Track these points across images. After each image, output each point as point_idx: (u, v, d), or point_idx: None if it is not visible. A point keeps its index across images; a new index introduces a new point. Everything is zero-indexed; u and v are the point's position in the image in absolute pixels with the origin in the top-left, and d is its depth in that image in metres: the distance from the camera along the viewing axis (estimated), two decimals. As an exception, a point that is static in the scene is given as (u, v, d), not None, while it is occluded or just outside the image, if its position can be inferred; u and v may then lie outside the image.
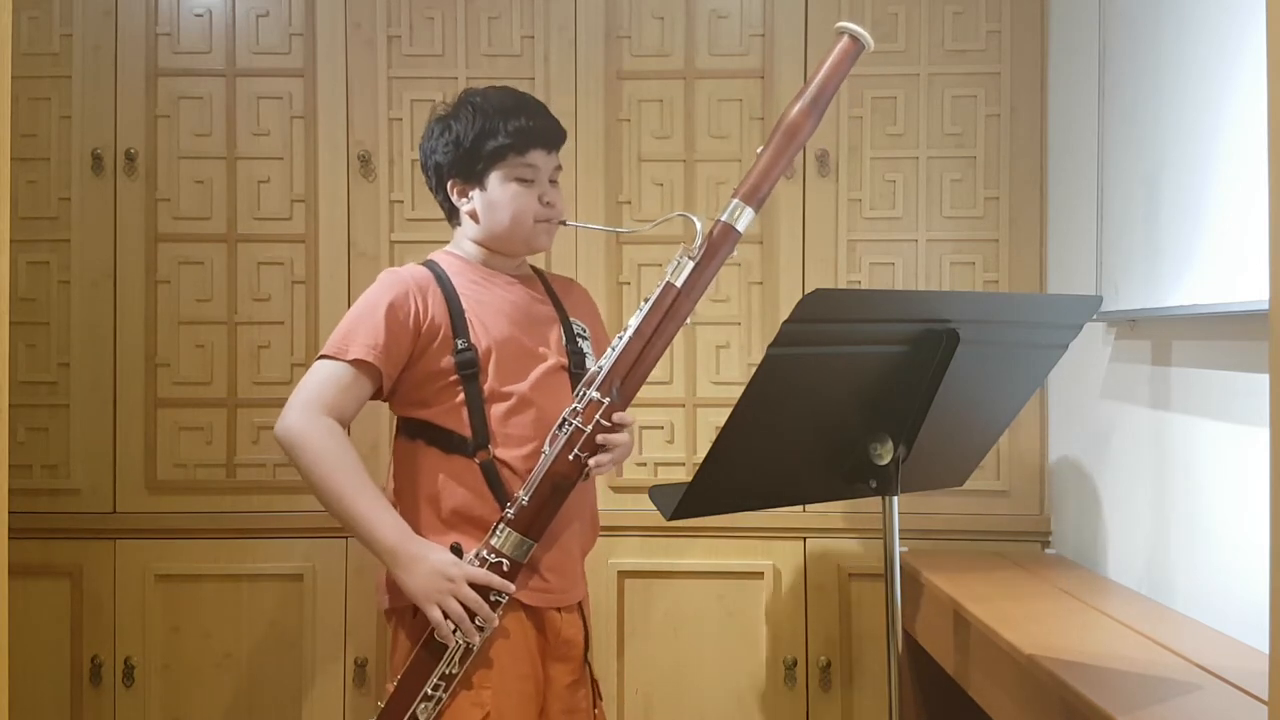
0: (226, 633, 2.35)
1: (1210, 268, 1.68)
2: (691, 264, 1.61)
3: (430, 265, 1.72)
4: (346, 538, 2.33)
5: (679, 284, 1.61)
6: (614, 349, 1.61)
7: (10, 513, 1.17)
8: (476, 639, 1.56)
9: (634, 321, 1.62)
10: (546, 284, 1.82)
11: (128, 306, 2.36)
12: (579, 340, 1.76)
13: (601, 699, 1.81)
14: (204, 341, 2.37)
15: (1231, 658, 1.50)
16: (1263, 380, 1.56)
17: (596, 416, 1.58)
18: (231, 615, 2.35)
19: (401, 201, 2.37)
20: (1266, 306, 0.83)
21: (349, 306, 2.31)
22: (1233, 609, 1.65)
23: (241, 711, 2.35)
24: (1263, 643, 1.42)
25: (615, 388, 1.59)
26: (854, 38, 1.58)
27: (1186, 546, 1.79)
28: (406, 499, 1.67)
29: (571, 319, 1.78)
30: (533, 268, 1.84)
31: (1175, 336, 1.84)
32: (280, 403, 1.66)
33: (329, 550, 2.35)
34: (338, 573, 2.34)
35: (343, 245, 2.37)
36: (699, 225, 1.62)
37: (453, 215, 1.76)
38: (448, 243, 1.79)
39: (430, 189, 1.78)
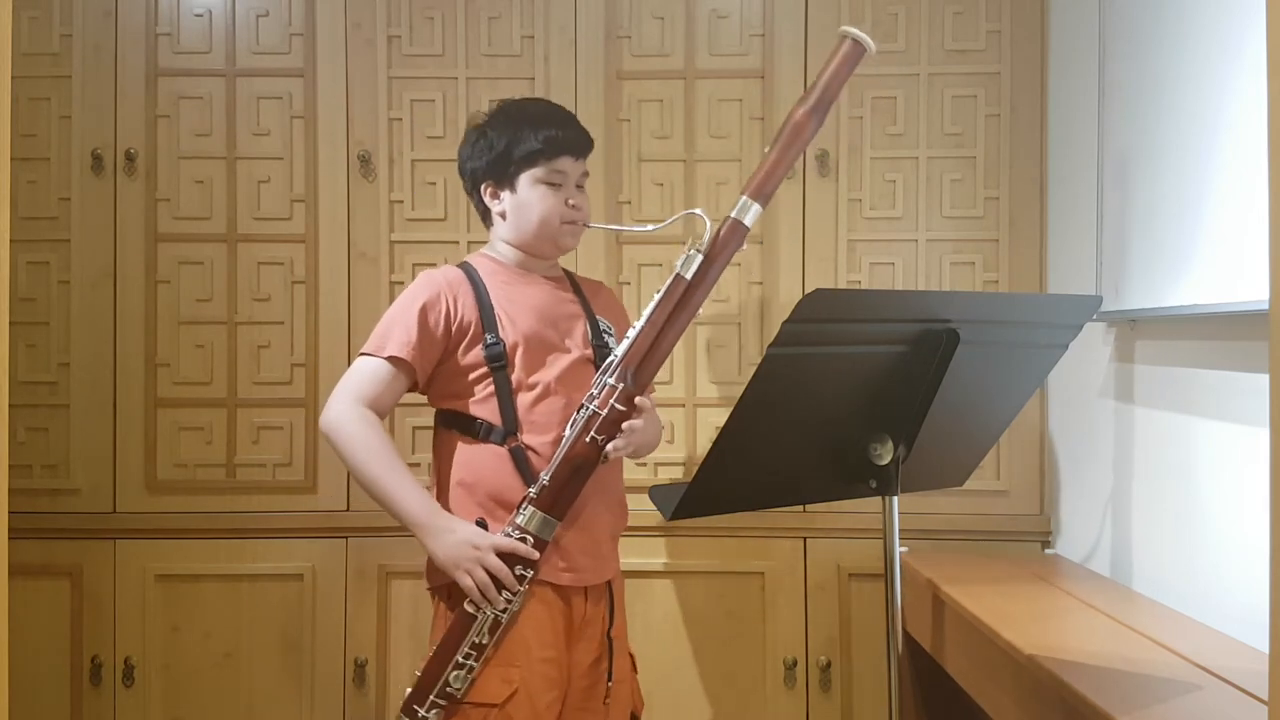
0: (226, 633, 2.35)
1: (1209, 268, 1.68)
2: (700, 257, 1.67)
3: (464, 266, 1.82)
4: (346, 537, 2.33)
5: (688, 276, 1.67)
6: (628, 338, 1.69)
7: (10, 513, 1.17)
8: (502, 606, 1.64)
9: (646, 312, 1.69)
10: (576, 285, 1.90)
11: (128, 306, 2.36)
12: (604, 336, 1.84)
13: (635, 670, 1.86)
14: (204, 341, 2.37)
15: (1231, 658, 1.50)
16: (1262, 380, 1.56)
17: (611, 401, 1.65)
18: (231, 615, 2.35)
19: (401, 201, 2.37)
20: (1266, 306, 0.83)
21: (349, 307, 2.35)
22: (1232, 609, 1.65)
23: (241, 711, 2.35)
24: (1263, 643, 1.42)
25: (630, 373, 1.66)
26: (856, 41, 1.64)
27: (1186, 546, 1.79)
28: (444, 485, 1.77)
29: (598, 317, 1.86)
30: (565, 270, 1.92)
31: (1174, 336, 1.84)
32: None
33: (329, 550, 2.35)
34: (338, 573, 2.34)
35: (343, 245, 2.37)
36: (708, 221, 1.68)
37: (486, 217, 1.86)
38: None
39: (467, 193, 1.87)
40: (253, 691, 2.35)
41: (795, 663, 2.33)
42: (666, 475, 2.36)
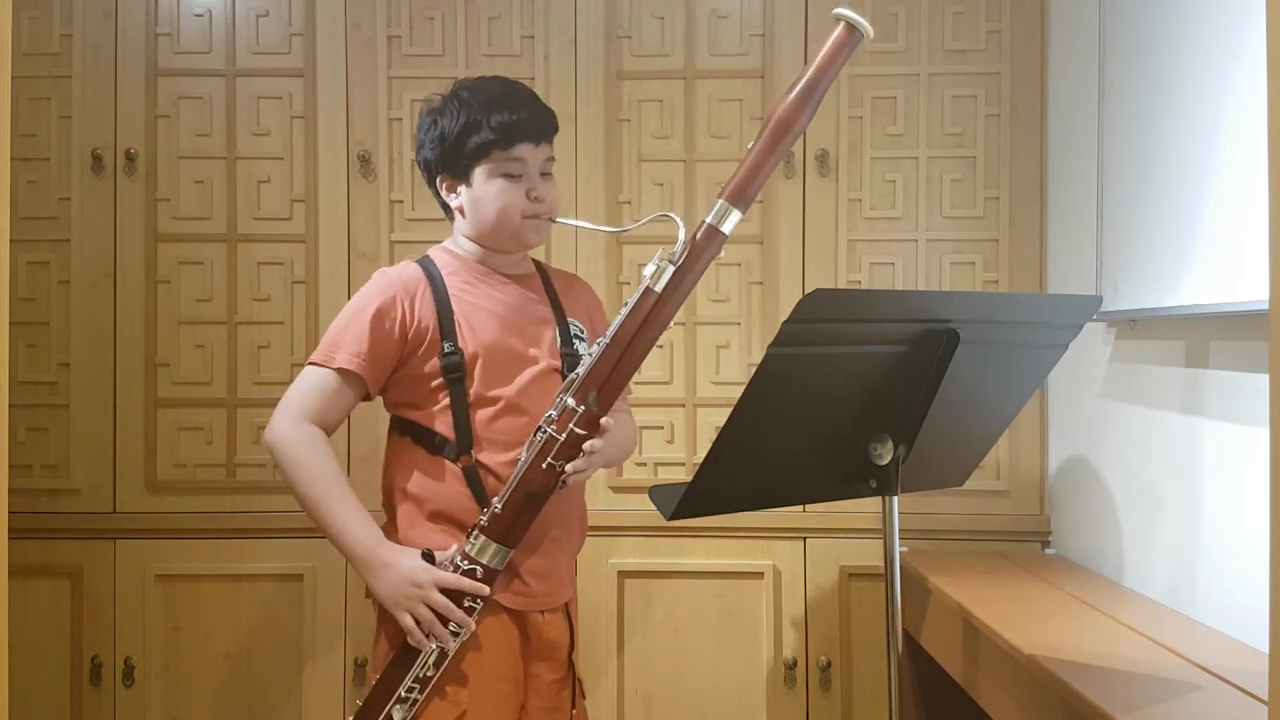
0: (226, 633, 2.35)
1: (1210, 268, 1.68)
2: (673, 268, 1.54)
3: (424, 264, 1.70)
4: (346, 538, 2.33)
5: (658, 289, 1.54)
6: (591, 355, 1.56)
7: (10, 513, 1.17)
8: (450, 644, 1.55)
9: (612, 328, 1.56)
10: (547, 282, 1.79)
11: (128, 306, 2.36)
12: (575, 342, 1.73)
13: (584, 697, 1.78)
14: (204, 341, 2.37)
15: (1231, 658, 1.50)
16: (1262, 380, 1.56)
17: (570, 425, 1.54)
18: (231, 615, 2.35)
19: (401, 201, 2.37)
20: (1266, 306, 0.83)
21: (349, 306, 2.34)
22: (1233, 609, 1.65)
23: (241, 711, 2.35)
24: (1263, 643, 1.42)
25: (592, 395, 1.55)
26: (851, 25, 1.47)
27: (1186, 546, 1.79)
28: (394, 494, 1.68)
29: (570, 320, 1.75)
30: (535, 263, 1.81)
31: (1175, 336, 1.84)
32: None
33: (329, 550, 2.29)
34: (338, 573, 2.34)
35: (343, 245, 2.37)
36: (681, 227, 1.55)
37: (447, 210, 1.74)
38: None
39: (426, 183, 1.77)
40: (253, 691, 2.35)
41: (795, 663, 2.33)
42: (666, 475, 2.36)
